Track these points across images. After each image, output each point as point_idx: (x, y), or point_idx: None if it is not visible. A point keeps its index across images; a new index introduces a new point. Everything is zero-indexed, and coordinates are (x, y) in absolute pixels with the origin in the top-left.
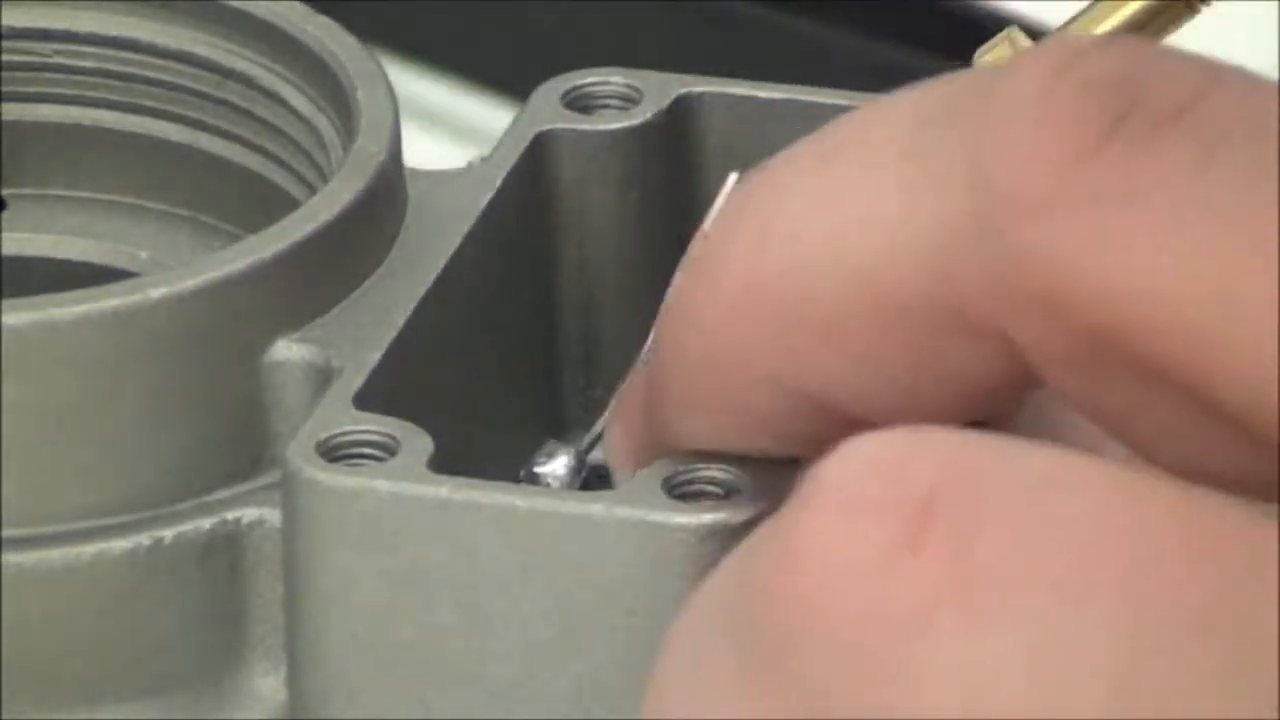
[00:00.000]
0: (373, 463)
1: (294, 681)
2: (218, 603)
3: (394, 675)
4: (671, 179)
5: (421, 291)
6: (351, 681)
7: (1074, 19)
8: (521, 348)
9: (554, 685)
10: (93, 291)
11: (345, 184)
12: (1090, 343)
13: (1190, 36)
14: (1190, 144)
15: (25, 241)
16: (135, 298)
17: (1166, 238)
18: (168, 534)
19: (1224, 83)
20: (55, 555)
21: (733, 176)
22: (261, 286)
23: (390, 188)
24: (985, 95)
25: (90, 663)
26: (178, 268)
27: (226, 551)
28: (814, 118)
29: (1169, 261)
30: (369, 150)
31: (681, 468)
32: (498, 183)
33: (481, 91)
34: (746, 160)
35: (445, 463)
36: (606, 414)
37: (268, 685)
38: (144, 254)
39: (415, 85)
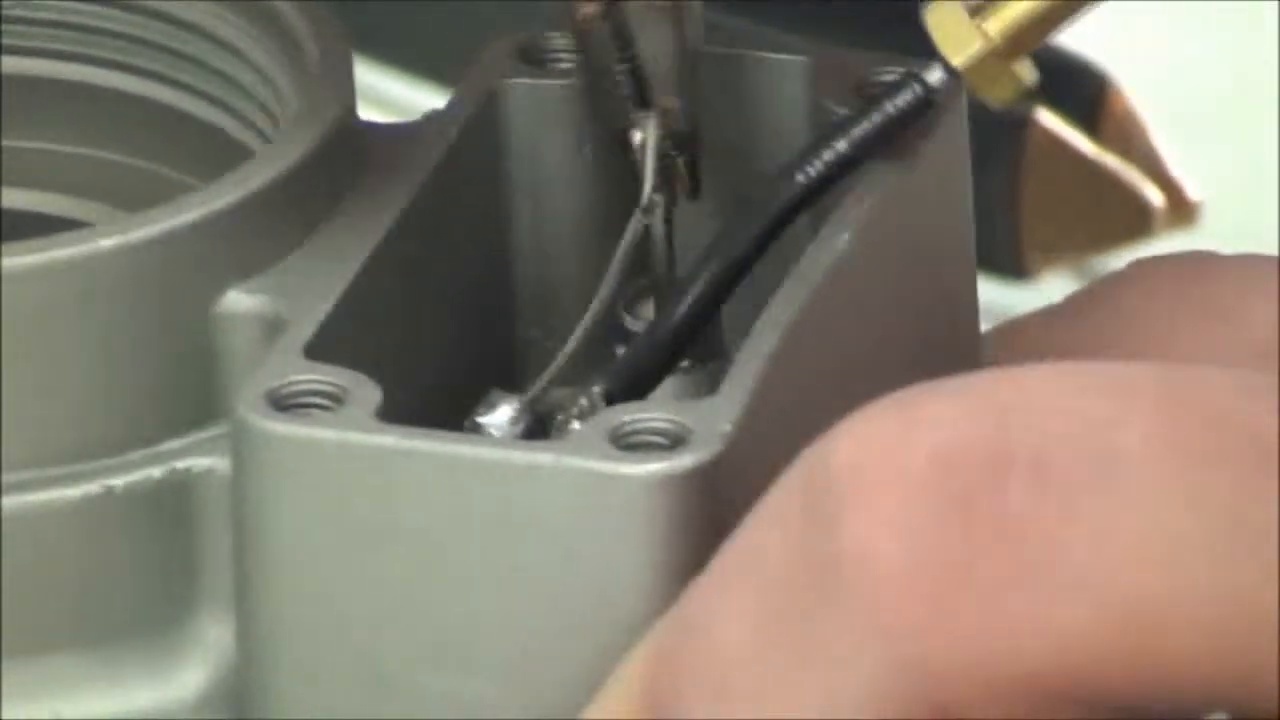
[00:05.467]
0: (321, 412)
1: (241, 631)
2: (168, 552)
3: (341, 622)
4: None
5: (374, 243)
6: (298, 629)
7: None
8: (476, 300)
9: (501, 633)
10: (43, 241)
11: (297, 136)
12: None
13: (1190, 36)
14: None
15: (12, 196)
16: (86, 247)
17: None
18: (118, 483)
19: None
20: (4, 504)
21: (651, 125)
22: (213, 237)
23: (343, 140)
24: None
25: (40, 611)
26: (130, 218)
27: (177, 501)
28: (770, 73)
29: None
30: (322, 102)
31: (628, 418)
32: (452, 136)
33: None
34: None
35: (396, 413)
36: (554, 366)
37: (218, 634)
38: (102, 205)
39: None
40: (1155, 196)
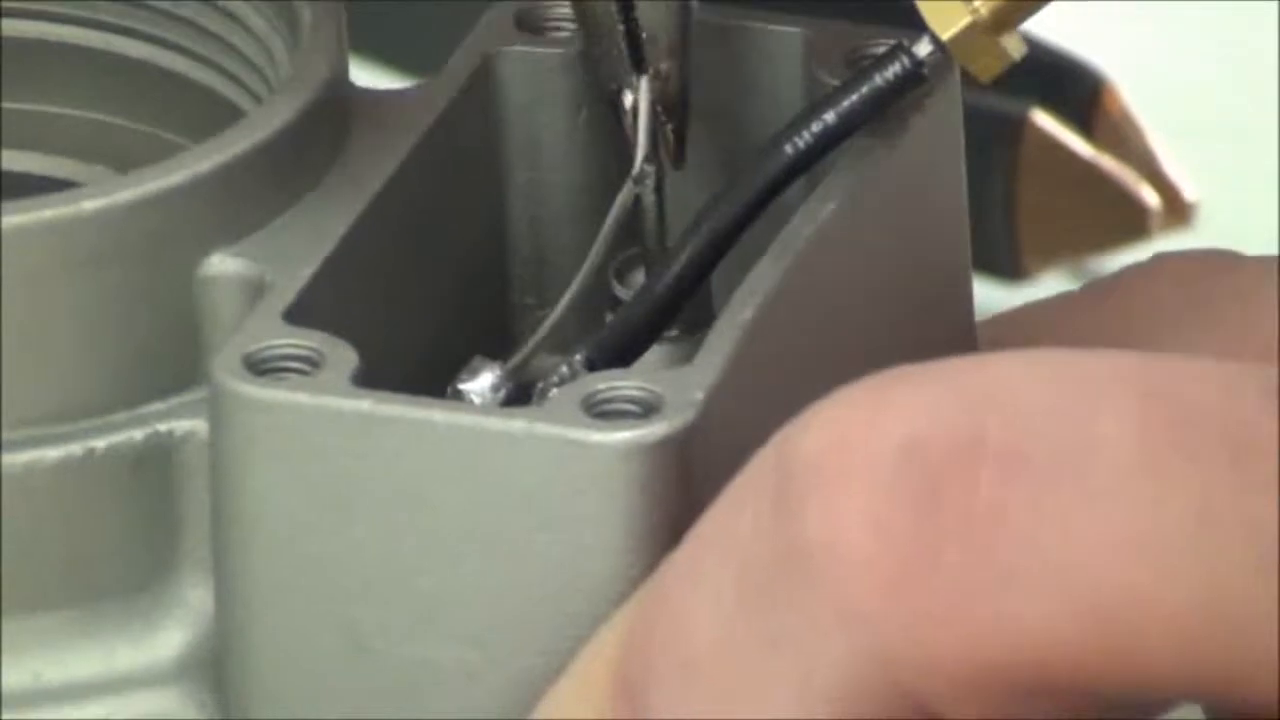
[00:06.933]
0: (298, 376)
1: (219, 594)
2: (150, 514)
3: (317, 589)
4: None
5: (360, 207)
6: (274, 595)
7: None
8: (468, 267)
9: (476, 600)
10: (27, 203)
11: (285, 100)
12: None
13: (1188, 36)
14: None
15: (8, 157)
16: (70, 209)
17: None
18: (100, 444)
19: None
20: None
21: (644, 85)
22: (197, 200)
23: (332, 105)
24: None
25: (20, 572)
26: (115, 180)
27: (159, 463)
28: (764, 44)
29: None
30: (311, 67)
31: (602, 386)
32: (444, 102)
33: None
34: (695, 84)
35: (381, 379)
36: (538, 333)
37: (198, 596)
38: (103, 168)
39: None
40: (1151, 197)
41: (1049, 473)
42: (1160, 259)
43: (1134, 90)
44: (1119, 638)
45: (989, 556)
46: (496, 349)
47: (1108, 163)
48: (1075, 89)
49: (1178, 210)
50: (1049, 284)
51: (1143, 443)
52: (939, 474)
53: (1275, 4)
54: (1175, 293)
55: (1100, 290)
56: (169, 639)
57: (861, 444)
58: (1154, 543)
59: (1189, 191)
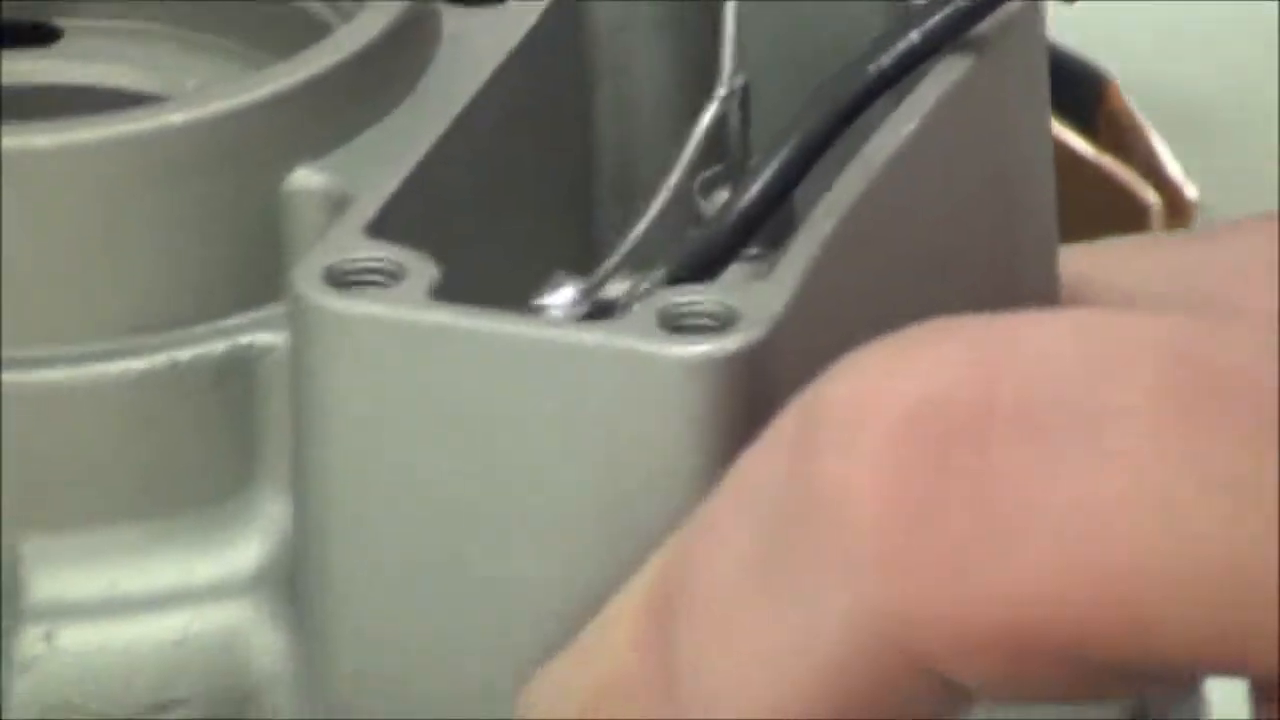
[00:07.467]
0: (376, 289)
1: (298, 508)
2: (231, 427)
3: (395, 503)
4: (712, 21)
5: (445, 123)
6: (352, 509)
7: None
8: (555, 185)
9: (553, 514)
10: (114, 116)
11: (372, 17)
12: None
13: (1189, 36)
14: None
15: (79, 70)
16: (156, 122)
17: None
18: (183, 356)
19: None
20: (69, 375)
21: (731, 5)
22: (282, 115)
23: (419, 22)
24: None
25: (101, 481)
26: (201, 93)
27: (240, 376)
28: None
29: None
30: None
31: (679, 299)
32: (533, 19)
33: None
34: (784, 5)
35: (465, 294)
36: (621, 248)
37: (277, 510)
38: (193, 84)
39: None
40: (1153, 197)
41: (1060, 435)
42: (1248, 218)
43: (1135, 90)
44: (1126, 602)
45: (993, 515)
46: (586, 267)
47: (1109, 162)
48: (1077, 89)
49: (1178, 210)
50: None
51: (1163, 407)
52: (951, 432)
53: (1275, 4)
54: (1266, 243)
55: (1184, 236)
56: (246, 552)
57: (879, 398)
58: (1167, 505)
59: (1189, 191)
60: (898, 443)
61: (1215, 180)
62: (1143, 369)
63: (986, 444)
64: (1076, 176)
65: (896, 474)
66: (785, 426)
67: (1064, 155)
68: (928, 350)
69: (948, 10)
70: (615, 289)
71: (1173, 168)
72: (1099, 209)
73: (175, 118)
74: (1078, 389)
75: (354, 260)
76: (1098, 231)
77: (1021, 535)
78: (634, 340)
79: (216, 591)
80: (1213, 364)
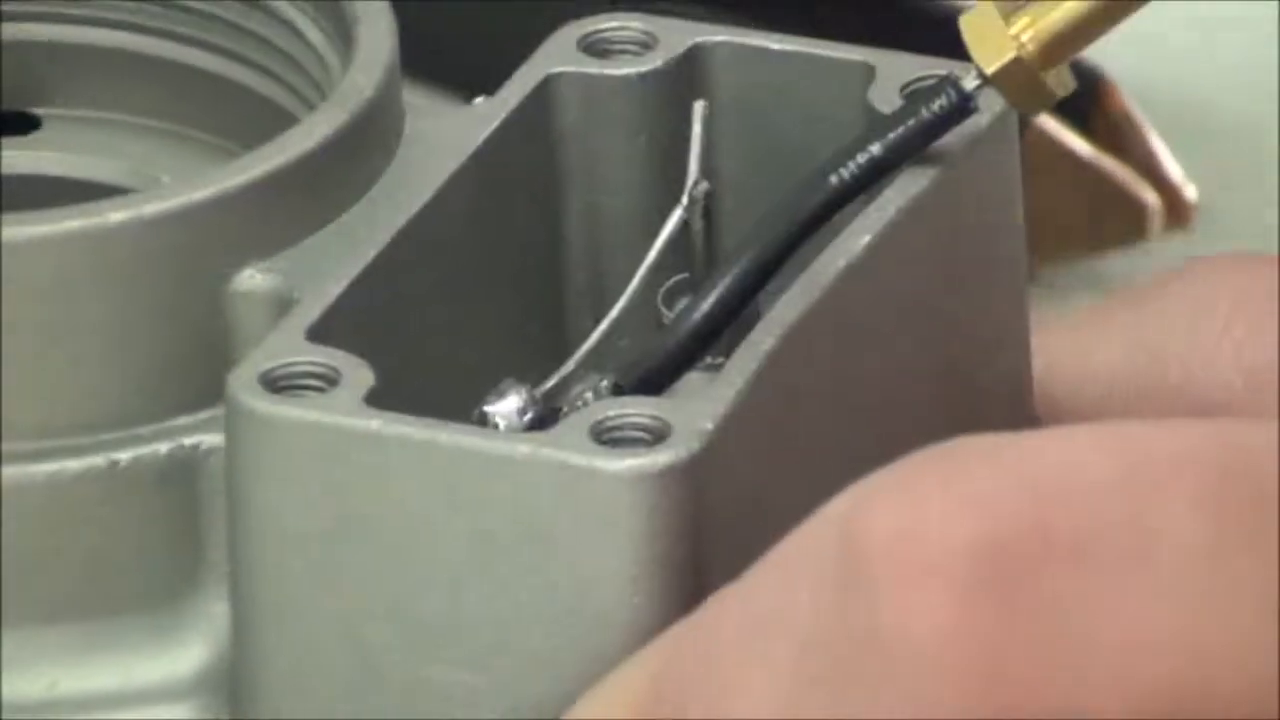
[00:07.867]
0: (312, 394)
1: (233, 609)
2: (173, 528)
3: (325, 607)
4: (682, 127)
5: (398, 226)
6: (282, 611)
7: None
8: (522, 287)
9: (479, 623)
10: (52, 213)
11: (325, 117)
12: None
13: (1188, 36)
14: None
15: (54, 161)
16: (94, 221)
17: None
18: (124, 457)
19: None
20: (9, 474)
21: (699, 106)
22: (227, 215)
23: (375, 122)
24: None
25: (42, 582)
26: (144, 192)
27: (183, 477)
28: (827, 72)
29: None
30: (357, 85)
31: (612, 412)
32: (497, 122)
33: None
34: (756, 111)
35: (409, 402)
36: (574, 357)
37: (222, 610)
38: (166, 177)
39: None
40: (1151, 197)
41: (1113, 565)
42: (1192, 262)
43: (1134, 90)
44: None
45: (1055, 652)
46: (555, 371)
47: (1108, 163)
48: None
49: (1178, 210)
50: (1048, 284)
51: (1207, 532)
52: (1010, 571)
53: (1275, 4)
54: (1214, 291)
55: (1137, 296)
56: (189, 654)
57: (934, 537)
58: (1219, 635)
59: (1189, 191)
60: (961, 585)
61: (1215, 180)
62: (1185, 487)
63: (1043, 577)
64: (1075, 177)
65: (964, 618)
66: (819, 555)
67: (1063, 155)
68: (972, 480)
69: (910, 123)
70: (574, 396)
71: (1172, 168)
72: (1098, 209)
73: (115, 216)
74: (1123, 513)
75: (292, 364)
76: (1098, 231)
77: (1083, 670)
78: (563, 452)
79: (157, 694)
80: (1248, 476)
